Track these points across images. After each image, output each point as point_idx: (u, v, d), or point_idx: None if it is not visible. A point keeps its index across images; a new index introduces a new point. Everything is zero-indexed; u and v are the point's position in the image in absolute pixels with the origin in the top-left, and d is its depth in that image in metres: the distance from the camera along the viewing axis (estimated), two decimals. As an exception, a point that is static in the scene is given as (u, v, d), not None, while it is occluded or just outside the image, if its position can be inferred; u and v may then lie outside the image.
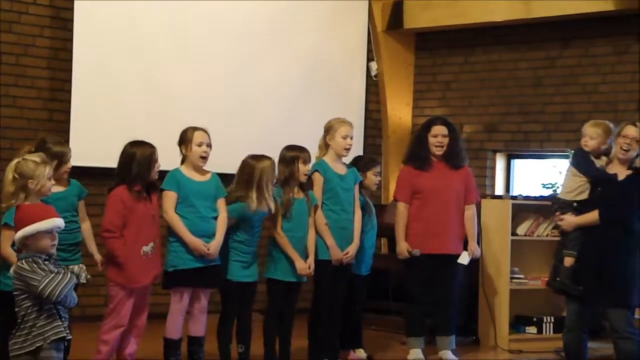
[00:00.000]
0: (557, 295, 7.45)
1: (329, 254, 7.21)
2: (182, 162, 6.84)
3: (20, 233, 5.19)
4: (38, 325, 5.15)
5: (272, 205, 6.85)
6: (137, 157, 6.47)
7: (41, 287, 5.08)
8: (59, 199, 6.27)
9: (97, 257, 6.63)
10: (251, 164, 6.87)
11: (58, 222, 5.28)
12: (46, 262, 5.19)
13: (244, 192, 6.82)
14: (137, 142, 6.58)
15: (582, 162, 7.07)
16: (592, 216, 6.80)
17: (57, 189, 6.32)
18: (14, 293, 5.22)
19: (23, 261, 5.17)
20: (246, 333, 6.98)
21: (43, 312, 5.16)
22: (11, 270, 5.28)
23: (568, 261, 6.94)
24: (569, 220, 6.96)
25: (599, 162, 7.04)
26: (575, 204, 7.00)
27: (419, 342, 7.84)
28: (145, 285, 6.56)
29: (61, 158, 6.39)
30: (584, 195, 6.98)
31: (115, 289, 6.48)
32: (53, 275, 5.14)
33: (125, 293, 6.46)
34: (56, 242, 5.30)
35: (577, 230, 6.92)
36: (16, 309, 5.21)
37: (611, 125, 7.08)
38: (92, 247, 6.68)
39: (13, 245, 5.86)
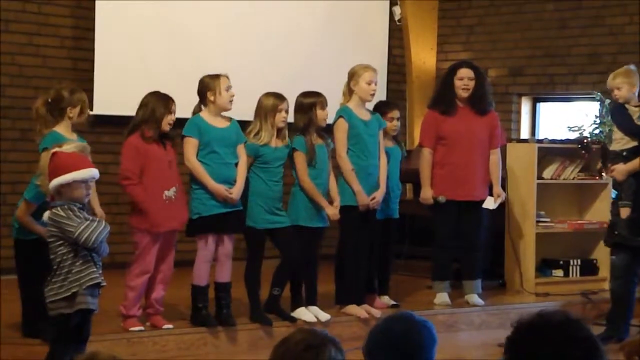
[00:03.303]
0: (612, 249, 7.28)
1: (356, 199, 7.22)
2: (196, 110, 6.77)
3: (56, 181, 5.20)
4: (74, 271, 5.19)
5: (272, 141, 6.81)
6: (152, 104, 6.47)
7: (77, 232, 5.12)
8: None
9: (99, 210, 6.28)
10: (260, 98, 6.87)
11: (94, 172, 5.31)
12: (81, 211, 5.23)
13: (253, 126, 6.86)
14: (155, 92, 6.56)
15: (617, 116, 7.02)
16: (638, 161, 6.74)
17: (73, 136, 6.30)
18: (49, 240, 5.25)
19: (58, 208, 5.19)
20: (283, 277, 6.97)
21: (78, 259, 5.19)
22: (45, 216, 5.31)
23: (624, 212, 6.87)
24: (619, 168, 6.89)
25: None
26: (624, 153, 6.94)
27: (445, 287, 7.85)
28: (171, 230, 6.58)
29: (83, 105, 6.34)
30: (634, 143, 6.91)
31: (139, 236, 6.50)
32: (88, 222, 5.18)
33: (150, 239, 6.49)
34: (90, 192, 5.33)
35: (629, 180, 6.85)
36: (51, 256, 5.24)
37: (632, 67, 7.00)
38: (95, 201, 6.33)
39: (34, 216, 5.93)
